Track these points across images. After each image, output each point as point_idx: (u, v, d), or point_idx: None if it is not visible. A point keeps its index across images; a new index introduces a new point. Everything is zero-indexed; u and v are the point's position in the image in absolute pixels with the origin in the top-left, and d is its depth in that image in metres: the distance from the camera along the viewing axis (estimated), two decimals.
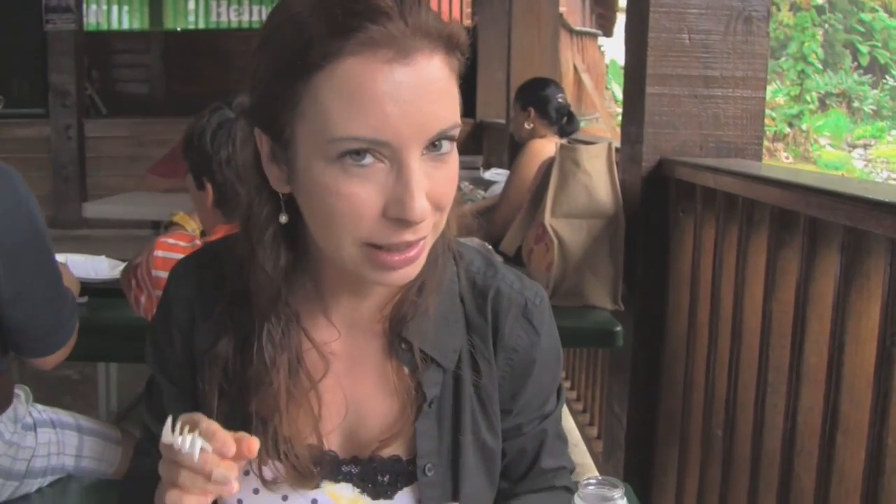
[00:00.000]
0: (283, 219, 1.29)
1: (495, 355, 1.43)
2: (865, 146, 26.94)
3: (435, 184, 1.21)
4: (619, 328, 3.01)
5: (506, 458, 1.49)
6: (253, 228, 1.32)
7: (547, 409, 1.51)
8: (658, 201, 3.20)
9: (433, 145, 1.20)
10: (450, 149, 1.22)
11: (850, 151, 26.67)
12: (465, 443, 1.41)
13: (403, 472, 1.40)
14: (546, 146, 4.33)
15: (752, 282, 2.53)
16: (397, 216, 1.18)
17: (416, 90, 1.15)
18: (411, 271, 1.26)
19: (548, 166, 3.43)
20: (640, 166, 3.18)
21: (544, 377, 1.48)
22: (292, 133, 1.21)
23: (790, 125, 26.65)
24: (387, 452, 1.40)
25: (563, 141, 4.43)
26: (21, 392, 2.57)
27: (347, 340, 1.41)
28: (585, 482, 0.97)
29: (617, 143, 3.55)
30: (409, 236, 1.21)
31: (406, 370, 1.39)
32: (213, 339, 1.37)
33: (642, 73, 3.13)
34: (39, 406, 2.64)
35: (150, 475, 1.29)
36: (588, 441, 4.17)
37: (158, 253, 2.47)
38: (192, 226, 2.78)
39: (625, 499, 0.95)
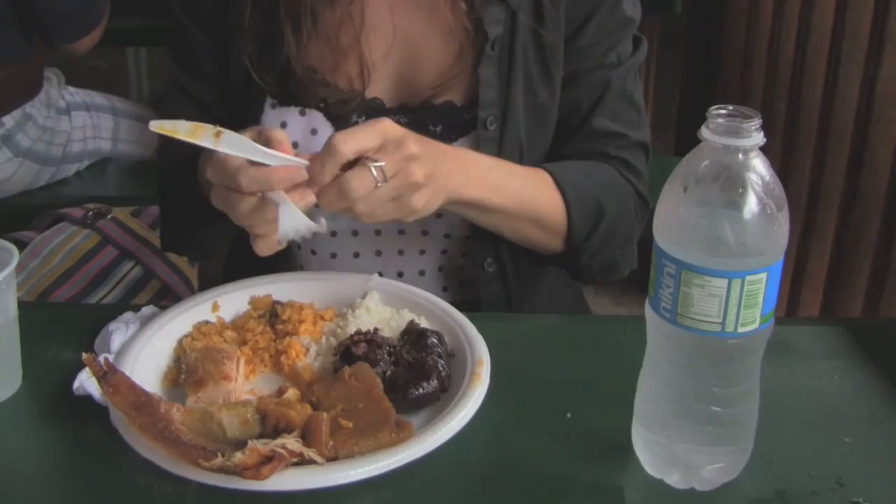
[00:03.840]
0: None
1: None
2: None
3: None
4: None
5: (558, 116, 1.32)
6: None
7: (610, 59, 1.31)
8: None
9: None
10: None
11: None
12: (516, 95, 1.26)
13: (458, 121, 1.26)
14: None
15: None
16: None
17: None
18: None
19: None
20: None
21: (614, 16, 1.30)
22: None
23: None
24: (439, 100, 1.26)
25: None
26: (52, 75, 2.45)
27: None
28: (715, 111, 0.83)
29: None
30: None
31: (463, 5, 1.23)
32: None
33: None
34: (72, 88, 2.53)
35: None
36: None
37: None
38: None
39: (761, 131, 0.81)
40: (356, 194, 1.00)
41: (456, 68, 1.25)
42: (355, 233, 1.31)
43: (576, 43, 1.29)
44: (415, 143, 1.04)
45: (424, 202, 1.06)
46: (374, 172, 1.01)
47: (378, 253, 1.33)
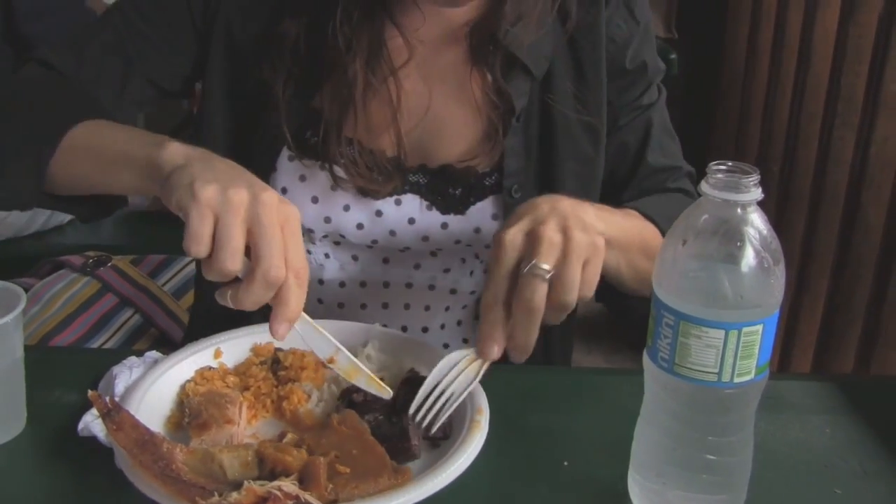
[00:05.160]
0: None
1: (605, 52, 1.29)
2: None
3: None
4: (673, 56, 2.83)
5: (607, 164, 1.35)
6: None
7: (645, 101, 1.36)
8: None
9: None
10: None
11: None
12: (561, 161, 1.29)
13: (477, 185, 1.27)
14: None
15: (826, 3, 2.34)
16: None
17: None
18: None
19: None
20: None
21: (648, 66, 1.34)
22: None
23: None
24: (461, 165, 1.28)
25: None
26: None
27: (430, 41, 1.26)
28: (714, 167, 0.85)
29: None
30: None
31: (490, 79, 1.25)
32: (274, 18, 1.23)
33: None
34: None
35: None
36: None
37: None
38: None
39: (759, 187, 0.83)
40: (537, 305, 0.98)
41: (482, 142, 1.27)
42: (363, 284, 1.33)
43: (614, 93, 1.32)
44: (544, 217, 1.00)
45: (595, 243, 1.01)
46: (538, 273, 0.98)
47: (385, 305, 1.35)
